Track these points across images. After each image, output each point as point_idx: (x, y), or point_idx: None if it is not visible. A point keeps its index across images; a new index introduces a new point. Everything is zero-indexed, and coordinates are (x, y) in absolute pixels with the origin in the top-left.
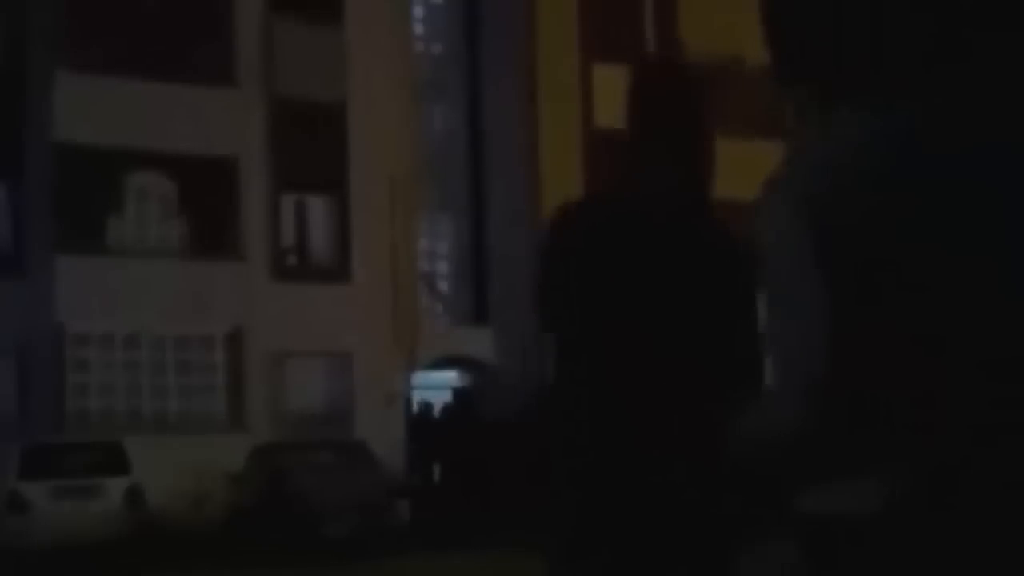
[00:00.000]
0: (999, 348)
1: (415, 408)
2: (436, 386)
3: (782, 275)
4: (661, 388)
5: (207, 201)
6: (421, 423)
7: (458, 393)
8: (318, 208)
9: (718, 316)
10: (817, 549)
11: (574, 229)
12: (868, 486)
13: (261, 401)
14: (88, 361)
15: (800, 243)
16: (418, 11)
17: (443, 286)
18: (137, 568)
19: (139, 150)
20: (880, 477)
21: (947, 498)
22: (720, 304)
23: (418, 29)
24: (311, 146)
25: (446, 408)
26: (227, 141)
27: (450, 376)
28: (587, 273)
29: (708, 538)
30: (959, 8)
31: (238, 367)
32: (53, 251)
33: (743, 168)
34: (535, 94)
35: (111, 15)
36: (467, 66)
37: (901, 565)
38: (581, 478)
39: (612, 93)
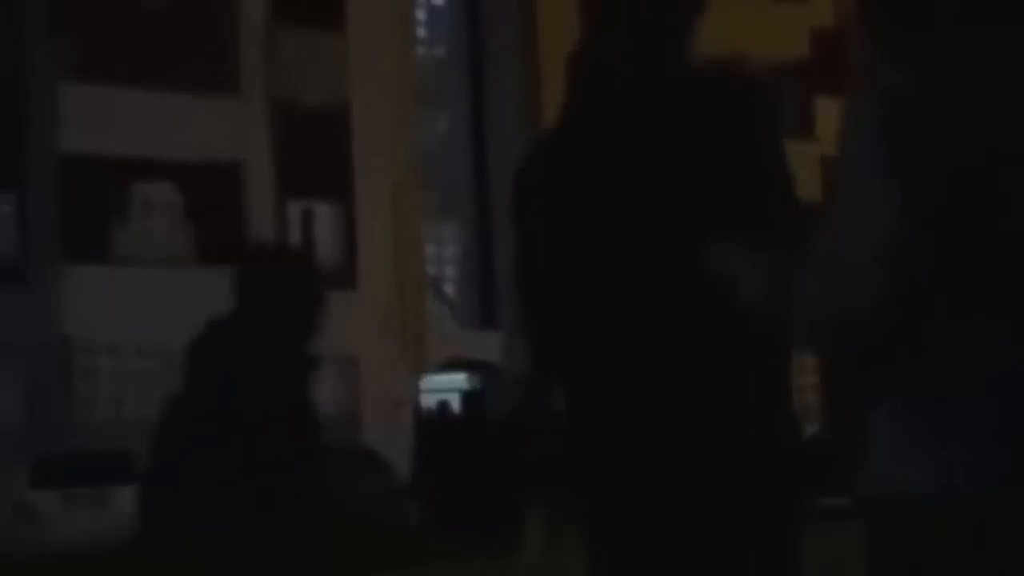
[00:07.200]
0: None
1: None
2: (445, 389)
3: (853, 181)
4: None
5: (213, 209)
6: (433, 424)
7: (467, 395)
8: (324, 214)
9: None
10: (883, 531)
11: (536, 162)
12: (933, 459)
13: None
14: (97, 371)
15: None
16: (420, 14)
17: (450, 291)
18: None
19: (144, 159)
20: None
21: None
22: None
23: (420, 32)
24: (315, 152)
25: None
26: (232, 149)
27: (459, 379)
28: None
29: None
30: None
31: None
32: (60, 261)
33: None
34: (538, 96)
35: (114, 25)
36: (470, 69)
37: (968, 548)
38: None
39: None
